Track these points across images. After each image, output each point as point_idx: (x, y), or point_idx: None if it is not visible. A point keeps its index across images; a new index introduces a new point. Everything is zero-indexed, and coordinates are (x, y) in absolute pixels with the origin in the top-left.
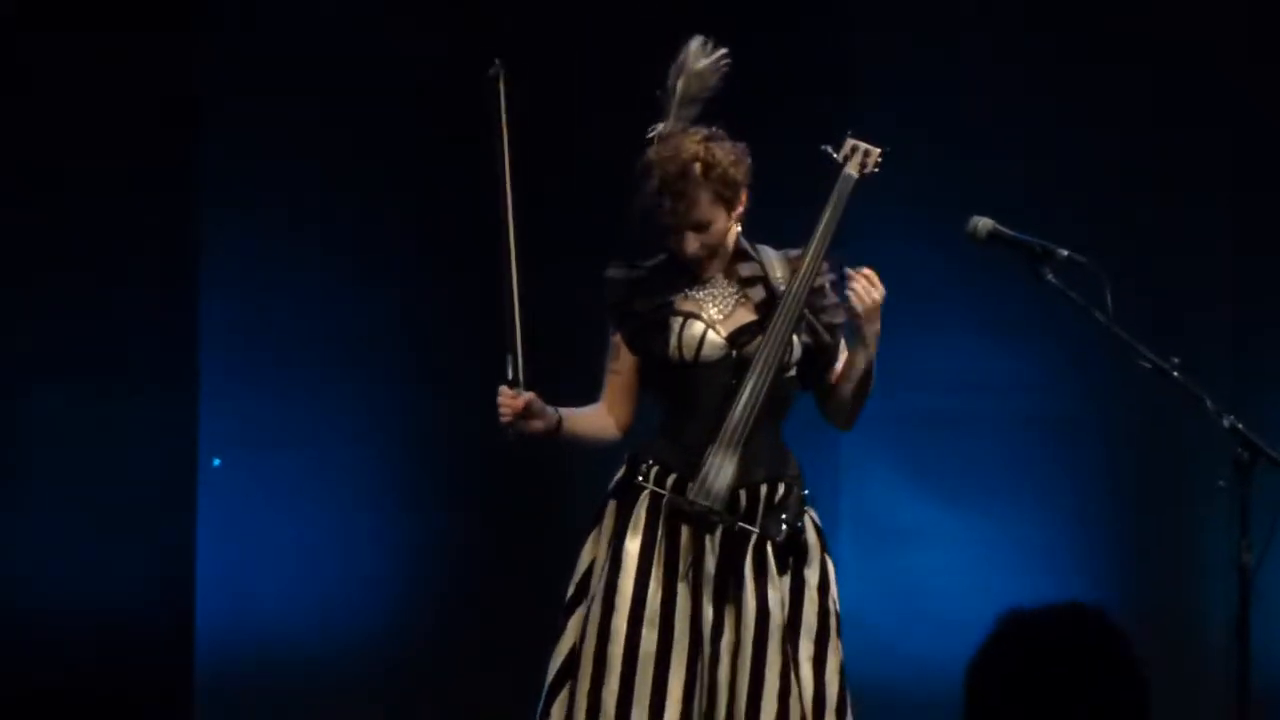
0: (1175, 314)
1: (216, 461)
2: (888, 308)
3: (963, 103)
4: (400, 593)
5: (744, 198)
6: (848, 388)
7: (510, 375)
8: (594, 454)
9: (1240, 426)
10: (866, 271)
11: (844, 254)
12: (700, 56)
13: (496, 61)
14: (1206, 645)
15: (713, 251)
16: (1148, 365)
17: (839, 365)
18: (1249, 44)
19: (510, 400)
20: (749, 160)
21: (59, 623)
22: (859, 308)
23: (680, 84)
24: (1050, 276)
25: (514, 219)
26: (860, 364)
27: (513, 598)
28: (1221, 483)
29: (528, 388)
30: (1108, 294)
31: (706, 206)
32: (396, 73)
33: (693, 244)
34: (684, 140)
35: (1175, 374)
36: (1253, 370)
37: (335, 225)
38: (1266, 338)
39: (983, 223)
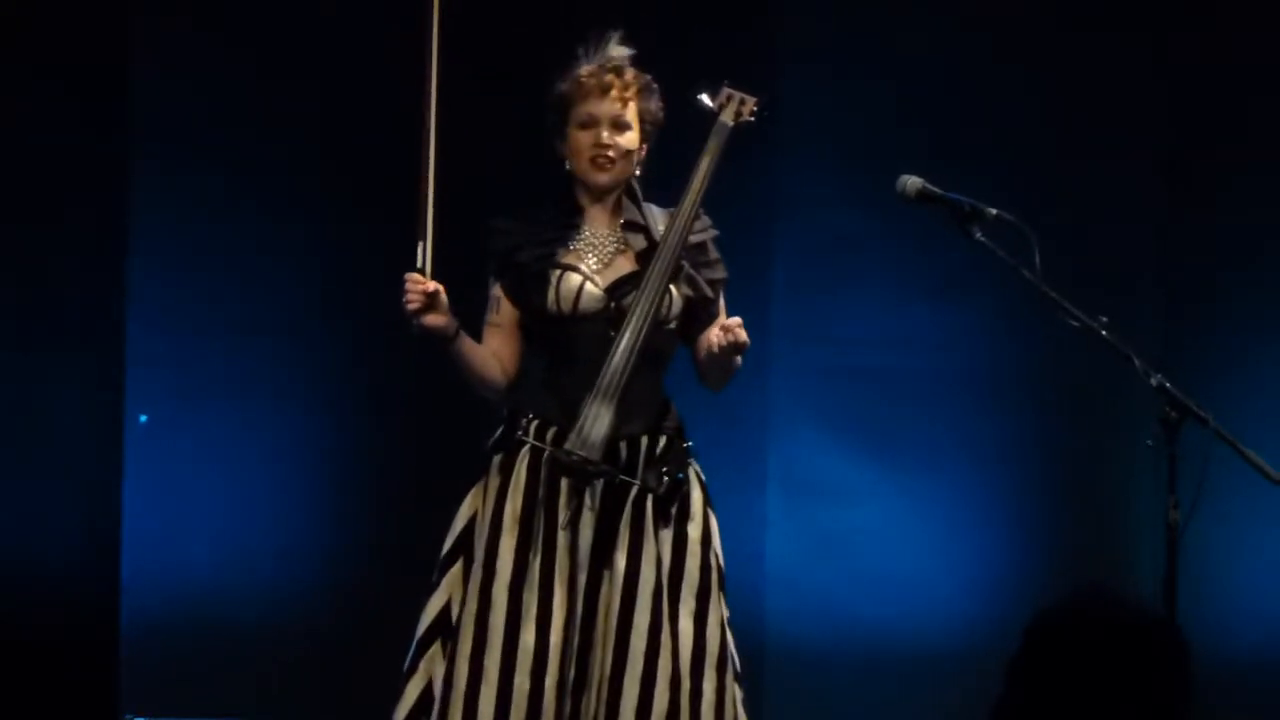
0: (1103, 274)
1: (143, 418)
2: (820, 265)
3: (892, 61)
4: (327, 546)
5: (644, 149)
6: (716, 364)
7: (419, 264)
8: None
9: (1168, 385)
10: (734, 324)
11: (776, 211)
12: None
13: None
14: None
15: (612, 164)
16: (1076, 324)
17: (715, 333)
18: (1184, 5)
19: (420, 284)
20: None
21: None
22: (715, 350)
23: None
24: (979, 235)
25: (435, 98)
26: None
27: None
28: (1149, 441)
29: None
30: (1036, 253)
31: (630, 111)
32: (336, 35)
33: (604, 134)
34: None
35: (1104, 333)
36: (1179, 332)
37: (266, 182)
38: (1193, 298)
39: (911, 181)
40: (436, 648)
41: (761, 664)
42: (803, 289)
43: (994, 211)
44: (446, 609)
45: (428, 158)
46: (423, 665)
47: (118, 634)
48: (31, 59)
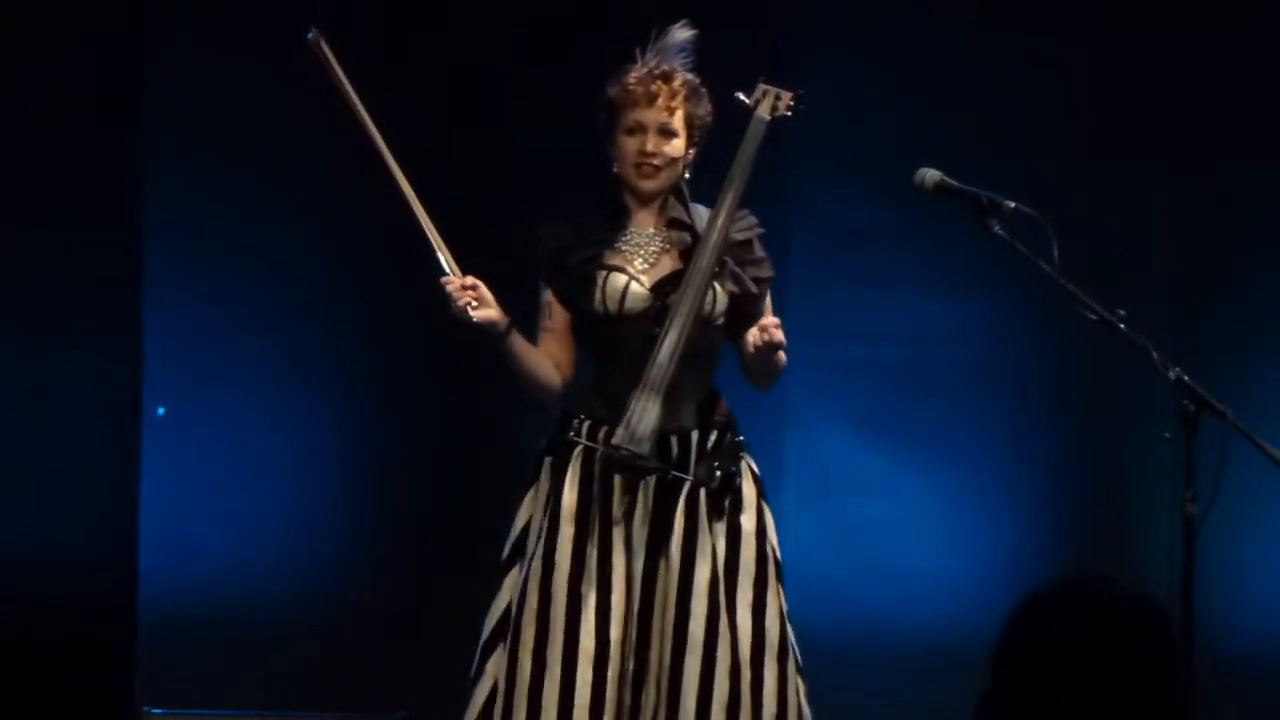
0: (1112, 271)
1: (161, 410)
2: (835, 259)
3: (909, 55)
4: (343, 541)
5: (693, 153)
6: (758, 363)
7: (447, 271)
8: (538, 404)
9: (1186, 378)
10: (771, 324)
11: (792, 205)
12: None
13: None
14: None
15: (658, 171)
16: (1094, 317)
17: (753, 333)
18: (1189, 6)
19: (455, 283)
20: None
21: (1, 571)
22: (751, 350)
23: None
24: (997, 228)
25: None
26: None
27: (457, 547)
28: (1167, 434)
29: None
30: (1054, 246)
31: (677, 118)
32: (350, 27)
33: (650, 143)
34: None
35: (1121, 325)
36: (1189, 329)
37: (283, 178)
38: (1203, 296)
39: (930, 174)
40: (500, 651)
41: None
42: (818, 284)
43: (1012, 204)
44: (507, 612)
45: (395, 174)
46: (489, 668)
47: (135, 627)
48: (46, 54)
